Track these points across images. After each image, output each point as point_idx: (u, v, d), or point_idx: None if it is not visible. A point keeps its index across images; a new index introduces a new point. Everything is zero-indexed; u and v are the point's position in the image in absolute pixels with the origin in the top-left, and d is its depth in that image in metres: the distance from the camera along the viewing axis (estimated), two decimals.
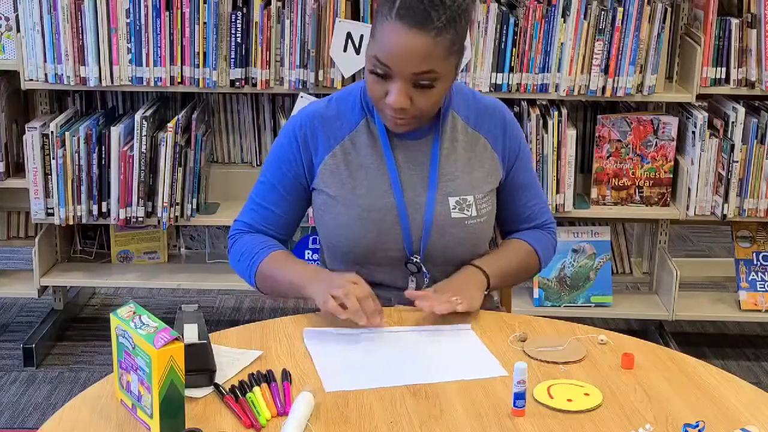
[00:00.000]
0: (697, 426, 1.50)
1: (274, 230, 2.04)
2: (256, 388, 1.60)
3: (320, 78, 3.21)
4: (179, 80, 3.21)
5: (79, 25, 3.15)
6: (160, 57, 3.19)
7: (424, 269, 1.97)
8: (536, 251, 2.08)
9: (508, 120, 2.04)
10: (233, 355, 1.72)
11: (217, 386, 1.61)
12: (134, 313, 1.52)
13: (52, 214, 3.30)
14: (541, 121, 3.24)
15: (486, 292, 1.96)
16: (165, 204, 3.28)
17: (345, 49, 3.17)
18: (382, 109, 1.87)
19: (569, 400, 1.60)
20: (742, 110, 3.24)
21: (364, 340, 1.80)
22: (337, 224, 1.96)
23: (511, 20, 3.16)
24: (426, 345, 1.80)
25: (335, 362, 1.72)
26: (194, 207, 3.35)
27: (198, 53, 3.18)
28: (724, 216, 3.32)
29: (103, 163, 3.26)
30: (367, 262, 1.97)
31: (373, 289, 1.98)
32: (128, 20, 3.16)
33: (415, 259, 1.96)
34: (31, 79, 3.23)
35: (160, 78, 3.21)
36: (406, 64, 1.79)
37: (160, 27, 3.16)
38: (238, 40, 3.18)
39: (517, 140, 2.04)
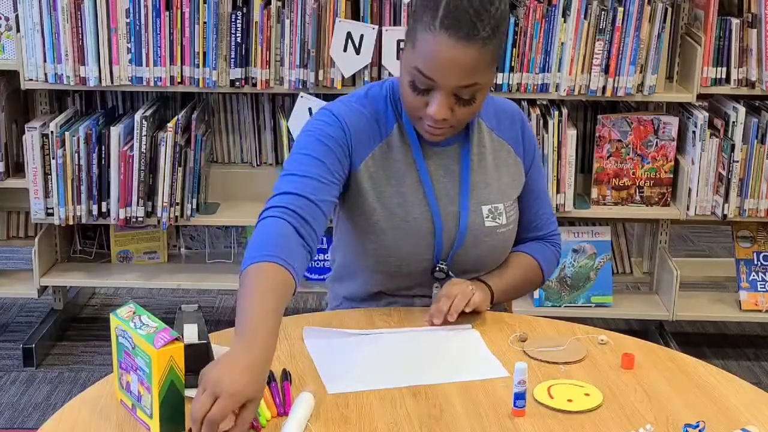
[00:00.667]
0: (697, 426, 1.50)
1: (321, 201, 1.78)
2: None
3: (320, 78, 3.21)
4: (179, 80, 3.21)
5: (79, 25, 3.15)
6: (160, 57, 3.19)
7: (452, 275, 1.93)
8: (540, 265, 2.05)
9: (526, 124, 2.02)
10: None
11: None
12: (134, 313, 1.52)
13: (52, 214, 3.30)
14: (541, 121, 3.24)
15: (488, 307, 1.95)
16: (165, 204, 3.28)
17: (345, 49, 3.17)
18: (421, 118, 1.81)
19: (569, 400, 1.60)
20: (742, 110, 3.24)
21: (364, 341, 1.79)
22: (374, 232, 1.90)
23: (511, 20, 3.16)
24: (427, 345, 1.79)
25: (336, 363, 1.72)
26: (194, 207, 3.35)
27: (198, 53, 3.18)
28: (725, 216, 3.31)
29: (103, 163, 3.26)
30: (396, 271, 1.93)
31: (391, 298, 1.98)
32: (128, 20, 3.16)
33: (441, 266, 1.93)
34: (31, 79, 3.23)
35: (160, 78, 3.21)
36: (451, 78, 1.73)
37: (160, 27, 3.16)
38: (238, 40, 3.18)
39: (533, 144, 2.03)
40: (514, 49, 3.18)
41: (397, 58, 3.14)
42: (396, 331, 1.83)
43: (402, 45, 1.86)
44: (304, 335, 1.80)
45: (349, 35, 3.16)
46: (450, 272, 1.93)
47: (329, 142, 1.84)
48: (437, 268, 1.93)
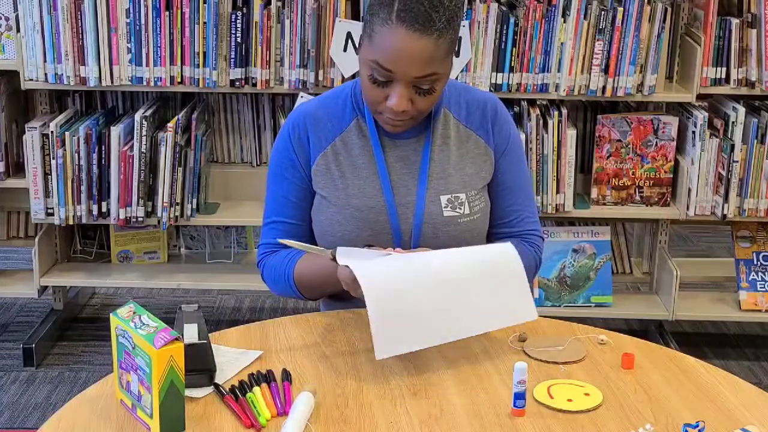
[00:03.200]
0: (697, 426, 1.50)
1: (293, 238, 2.00)
2: (256, 388, 1.60)
3: (320, 78, 3.21)
4: (179, 80, 3.22)
5: (79, 25, 3.15)
6: (160, 57, 3.19)
7: None
8: None
9: (500, 113, 2.02)
10: (233, 355, 1.73)
11: (217, 386, 1.61)
12: (134, 313, 1.52)
13: (52, 214, 3.30)
14: (541, 121, 3.24)
15: None
16: (165, 204, 3.28)
17: (345, 49, 3.17)
18: (381, 112, 1.87)
19: (569, 400, 1.60)
20: (742, 110, 3.24)
21: (411, 272, 1.77)
22: (331, 224, 1.96)
23: (511, 20, 3.16)
24: (467, 277, 1.78)
25: (390, 315, 1.69)
26: (194, 207, 3.35)
27: (198, 53, 3.18)
28: (724, 216, 3.31)
29: (103, 163, 3.26)
30: None
31: None
32: (128, 20, 3.16)
33: None
34: (31, 79, 3.23)
35: (160, 78, 3.21)
36: (409, 69, 1.78)
37: (160, 27, 3.16)
38: (238, 40, 3.18)
39: (506, 134, 2.02)
40: (514, 49, 3.18)
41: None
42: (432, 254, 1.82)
43: (359, 40, 1.88)
44: (353, 267, 1.76)
45: (349, 35, 3.16)
46: None
47: (286, 173, 1.99)
48: None
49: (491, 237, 2.08)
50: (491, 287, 1.78)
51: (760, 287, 3.44)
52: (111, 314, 1.54)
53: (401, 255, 1.79)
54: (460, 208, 1.96)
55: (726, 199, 3.29)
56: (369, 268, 1.74)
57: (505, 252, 1.83)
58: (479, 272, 1.79)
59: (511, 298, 1.79)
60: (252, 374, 1.65)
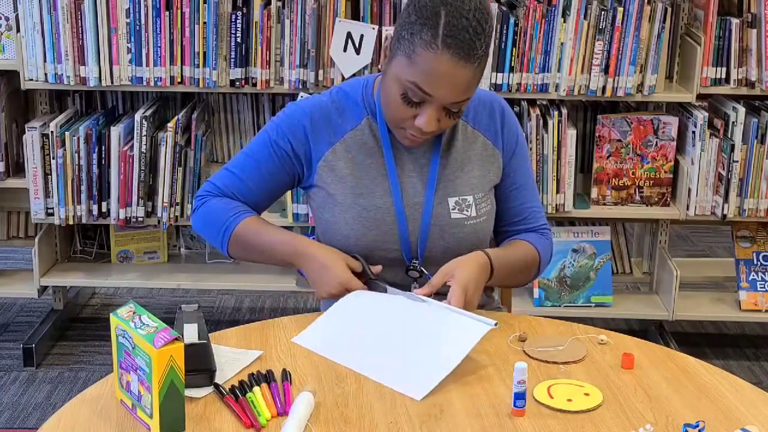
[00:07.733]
0: (697, 426, 1.50)
1: (243, 203, 2.02)
2: (256, 388, 1.60)
3: (320, 78, 3.21)
4: (179, 80, 3.22)
5: (79, 25, 3.15)
6: (160, 57, 3.19)
7: (426, 272, 1.95)
8: (539, 254, 2.04)
9: (506, 114, 2.03)
10: (233, 355, 1.73)
11: (217, 386, 1.61)
12: (134, 313, 1.52)
13: (52, 214, 3.30)
14: (541, 121, 3.24)
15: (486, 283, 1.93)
16: (165, 204, 3.28)
17: (345, 49, 3.17)
18: (405, 128, 1.86)
19: (569, 400, 1.60)
20: (742, 110, 3.24)
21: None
22: (336, 222, 1.95)
23: (511, 20, 3.16)
24: (426, 334, 1.76)
25: (332, 325, 1.81)
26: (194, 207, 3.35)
27: (198, 53, 3.18)
28: (724, 216, 3.31)
29: (103, 163, 3.26)
30: (366, 262, 1.96)
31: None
32: (128, 20, 3.16)
33: (414, 265, 1.95)
34: (31, 79, 3.23)
35: (160, 78, 3.21)
36: (450, 95, 1.79)
37: (160, 27, 3.16)
38: (238, 40, 3.18)
39: (514, 134, 2.03)
40: (514, 49, 3.18)
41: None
42: (419, 301, 1.82)
43: (388, 55, 1.84)
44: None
45: (349, 35, 3.16)
46: (424, 270, 1.95)
47: (276, 140, 1.97)
48: (411, 266, 1.95)
49: (505, 235, 2.08)
50: (431, 350, 1.71)
51: (760, 287, 3.44)
52: (111, 314, 1.54)
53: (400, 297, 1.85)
54: (468, 210, 1.96)
55: (726, 199, 3.29)
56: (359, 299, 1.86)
57: (477, 330, 1.71)
58: (436, 334, 1.75)
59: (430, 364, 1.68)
60: (252, 374, 1.64)
